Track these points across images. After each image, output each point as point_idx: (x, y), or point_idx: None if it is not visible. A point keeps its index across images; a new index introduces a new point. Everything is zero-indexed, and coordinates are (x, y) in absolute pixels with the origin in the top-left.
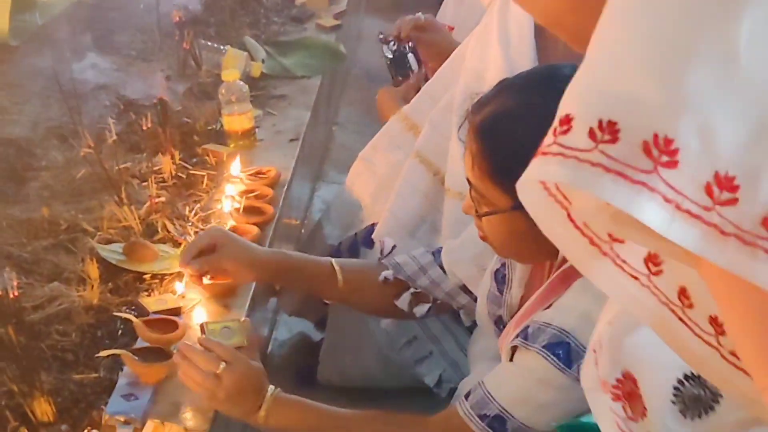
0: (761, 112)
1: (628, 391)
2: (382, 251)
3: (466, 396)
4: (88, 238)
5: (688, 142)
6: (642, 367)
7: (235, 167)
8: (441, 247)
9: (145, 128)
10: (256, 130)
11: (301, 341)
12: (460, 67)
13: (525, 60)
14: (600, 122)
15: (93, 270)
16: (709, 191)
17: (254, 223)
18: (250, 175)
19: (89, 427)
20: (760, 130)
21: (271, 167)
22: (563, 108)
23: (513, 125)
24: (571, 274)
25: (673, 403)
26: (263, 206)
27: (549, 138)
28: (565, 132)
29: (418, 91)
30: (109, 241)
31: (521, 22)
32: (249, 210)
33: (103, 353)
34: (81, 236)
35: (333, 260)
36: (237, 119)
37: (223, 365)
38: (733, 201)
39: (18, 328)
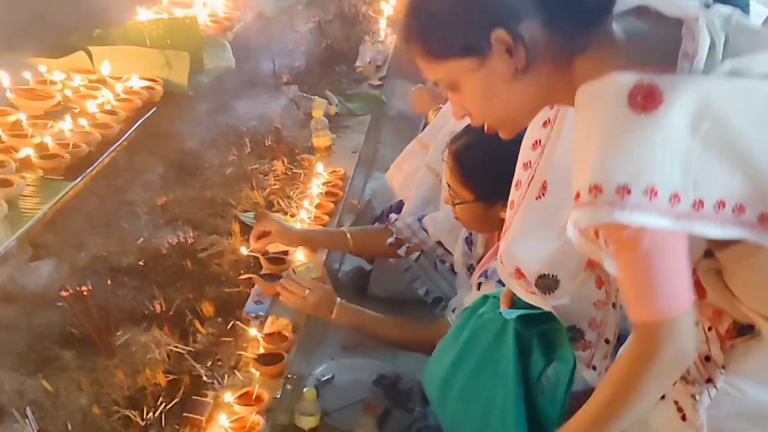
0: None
1: (520, 276)
2: (390, 221)
3: (453, 310)
4: (233, 209)
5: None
6: (523, 265)
7: (319, 168)
8: (423, 216)
9: (266, 144)
10: (332, 146)
11: (359, 270)
12: (448, 116)
13: None
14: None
15: (236, 228)
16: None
17: (330, 202)
18: (329, 173)
19: (235, 320)
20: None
21: (341, 168)
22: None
23: (472, 151)
24: None
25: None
26: (336, 191)
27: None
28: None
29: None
30: (245, 211)
31: None
32: (328, 194)
33: (243, 276)
34: (229, 208)
35: (346, 230)
36: (321, 139)
37: (307, 291)
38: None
39: (192, 262)
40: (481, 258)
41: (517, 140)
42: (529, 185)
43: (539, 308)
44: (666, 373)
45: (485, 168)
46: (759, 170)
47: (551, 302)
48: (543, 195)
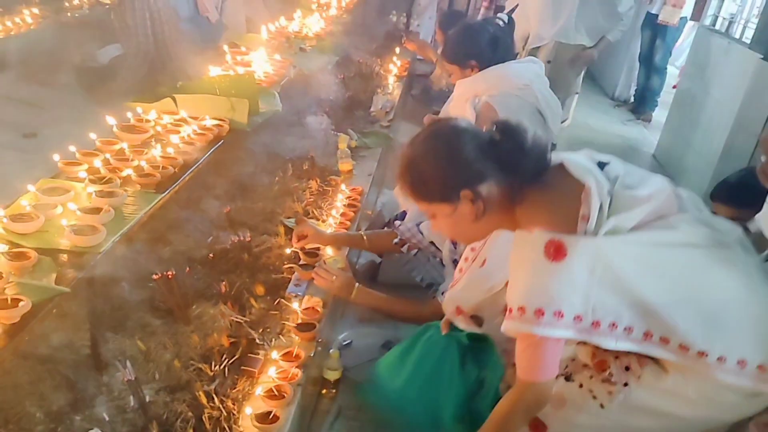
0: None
1: (460, 313)
2: (395, 226)
3: (442, 293)
4: (279, 216)
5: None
6: (463, 306)
7: (343, 187)
8: (420, 222)
9: (304, 168)
10: (353, 170)
11: (371, 263)
12: None
13: None
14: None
15: (281, 230)
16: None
17: (352, 212)
18: (350, 190)
19: (280, 298)
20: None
21: (359, 187)
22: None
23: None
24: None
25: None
26: (356, 204)
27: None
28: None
29: None
30: (288, 218)
31: (468, 111)
32: (349, 206)
33: (286, 266)
34: (276, 215)
35: (363, 233)
36: (344, 165)
37: (334, 277)
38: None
39: (248, 255)
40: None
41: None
42: (474, 260)
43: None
44: (530, 411)
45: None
46: (640, 300)
47: (482, 330)
48: (482, 266)
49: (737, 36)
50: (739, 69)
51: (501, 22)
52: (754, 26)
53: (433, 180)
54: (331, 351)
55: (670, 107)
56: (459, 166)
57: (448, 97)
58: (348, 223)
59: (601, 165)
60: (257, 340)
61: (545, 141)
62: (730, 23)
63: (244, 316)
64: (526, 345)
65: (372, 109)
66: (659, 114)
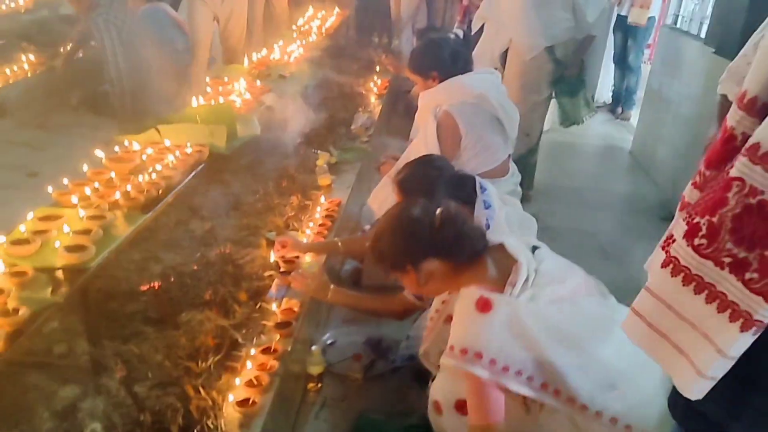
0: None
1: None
2: (367, 231)
3: None
4: (261, 230)
5: None
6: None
7: (323, 200)
8: None
9: (284, 184)
10: (333, 184)
11: (356, 269)
12: (408, 155)
13: (434, 152)
14: None
15: (263, 243)
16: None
17: (329, 222)
18: (329, 202)
19: (261, 302)
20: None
21: (338, 198)
22: None
23: (408, 180)
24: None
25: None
26: (333, 215)
27: None
28: None
29: None
30: (270, 231)
31: (431, 138)
32: (327, 217)
33: (267, 274)
34: (259, 229)
35: (338, 240)
36: (323, 180)
37: (310, 280)
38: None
39: (233, 266)
40: None
41: (439, 168)
42: (440, 315)
43: None
44: None
45: (418, 190)
46: (541, 355)
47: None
48: (446, 322)
49: (695, 33)
50: (696, 64)
51: (457, 36)
52: None
53: (388, 254)
54: (313, 348)
55: (641, 105)
56: (405, 246)
57: None
58: (325, 232)
59: (533, 248)
60: (240, 340)
61: (481, 229)
62: (690, 21)
63: (229, 320)
64: (471, 389)
65: (352, 127)
66: (637, 112)
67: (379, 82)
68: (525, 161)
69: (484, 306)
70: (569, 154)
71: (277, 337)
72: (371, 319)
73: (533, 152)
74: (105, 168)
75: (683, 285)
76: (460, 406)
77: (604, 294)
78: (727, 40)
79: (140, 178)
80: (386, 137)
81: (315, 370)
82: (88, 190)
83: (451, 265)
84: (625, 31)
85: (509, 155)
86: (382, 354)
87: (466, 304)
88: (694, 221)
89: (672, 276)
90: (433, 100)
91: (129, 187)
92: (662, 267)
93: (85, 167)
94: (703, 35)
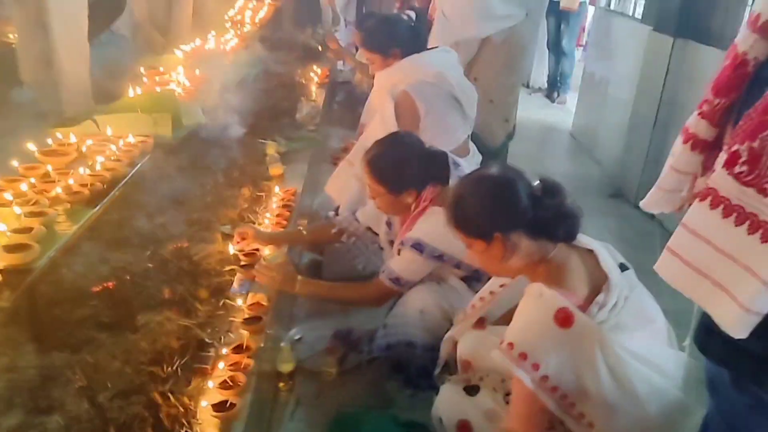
0: None
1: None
2: (332, 217)
3: (383, 272)
4: (215, 223)
5: None
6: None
7: (277, 189)
8: (355, 210)
9: (234, 175)
10: (285, 174)
11: (313, 261)
12: (366, 138)
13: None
14: None
15: (218, 236)
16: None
17: (287, 211)
18: (284, 191)
19: (224, 299)
20: None
21: (292, 188)
22: None
23: (380, 159)
24: (416, 218)
25: None
26: (291, 204)
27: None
28: None
29: None
30: (224, 224)
31: (390, 119)
32: (285, 206)
33: (227, 268)
34: (212, 223)
35: (302, 227)
36: (275, 169)
37: (274, 272)
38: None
39: (189, 263)
40: (398, 233)
41: (410, 144)
42: (494, 299)
43: None
44: None
45: (390, 169)
46: (597, 393)
47: None
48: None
49: (630, 14)
50: (634, 43)
51: (410, 17)
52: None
53: (474, 218)
54: (282, 345)
55: (580, 87)
56: (499, 212)
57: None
58: (285, 222)
59: (622, 267)
60: (206, 340)
61: (580, 212)
62: (624, 2)
63: (191, 320)
64: (519, 395)
65: (298, 116)
66: (572, 95)
67: (319, 71)
68: (504, 147)
69: (564, 320)
70: (513, 139)
71: (248, 334)
72: (337, 310)
73: (511, 137)
74: (39, 162)
75: (723, 217)
76: (462, 427)
77: (672, 343)
78: (665, 17)
79: (81, 171)
80: (334, 127)
81: (286, 368)
82: (24, 186)
83: (540, 245)
84: (558, 16)
85: (468, 136)
86: (353, 346)
87: (544, 309)
88: (733, 149)
89: (711, 209)
90: (389, 80)
91: (71, 181)
92: (700, 201)
93: (15, 162)
94: (637, 15)
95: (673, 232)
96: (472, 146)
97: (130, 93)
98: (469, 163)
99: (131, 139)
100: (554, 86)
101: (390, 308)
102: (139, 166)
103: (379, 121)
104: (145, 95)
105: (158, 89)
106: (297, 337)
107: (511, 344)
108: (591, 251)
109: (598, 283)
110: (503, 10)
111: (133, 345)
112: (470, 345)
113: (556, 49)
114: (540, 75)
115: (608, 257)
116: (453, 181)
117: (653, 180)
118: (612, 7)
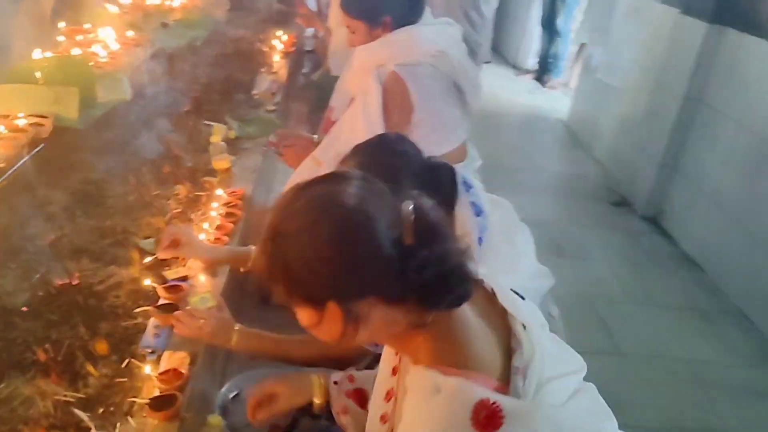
0: None
1: None
2: None
3: None
4: (133, 237)
5: None
6: None
7: (220, 190)
8: None
9: (166, 171)
10: (233, 168)
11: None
12: (340, 131)
13: (378, 129)
14: None
15: (136, 256)
16: None
17: (230, 222)
18: (229, 193)
19: (130, 358)
20: None
21: (240, 189)
22: None
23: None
24: None
25: None
26: (236, 212)
27: None
28: None
29: None
30: (146, 238)
31: (374, 109)
32: (227, 215)
33: (139, 309)
34: (129, 236)
35: (252, 247)
36: (220, 163)
37: (202, 321)
38: None
39: (89, 296)
40: None
41: (405, 154)
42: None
43: None
44: None
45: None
46: None
47: None
48: None
49: None
50: (654, 27)
51: None
52: None
53: (299, 272)
54: (209, 417)
55: (579, 74)
56: (336, 273)
57: None
58: (226, 237)
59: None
60: (93, 429)
61: (473, 270)
62: None
63: (77, 392)
64: None
65: (255, 92)
66: (565, 79)
67: (285, 38)
68: None
69: (488, 421)
70: (496, 128)
71: (155, 422)
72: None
73: None
74: None
75: None
76: None
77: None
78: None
79: None
80: (299, 103)
81: None
82: None
83: (411, 312)
84: None
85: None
86: (306, 408)
87: (452, 413)
88: None
89: None
90: (373, 57)
91: None
92: None
93: None
94: None
95: (688, 252)
96: (472, 148)
97: (36, 54)
98: (466, 170)
99: (20, 121)
100: (545, 69)
101: (366, 366)
102: (26, 159)
103: (358, 112)
104: (52, 59)
105: (76, 51)
106: (232, 395)
107: None
108: (480, 281)
109: (505, 334)
110: None
111: None
112: None
113: (549, 27)
114: (528, 55)
115: (505, 288)
116: (464, 211)
117: (668, 189)
118: None
